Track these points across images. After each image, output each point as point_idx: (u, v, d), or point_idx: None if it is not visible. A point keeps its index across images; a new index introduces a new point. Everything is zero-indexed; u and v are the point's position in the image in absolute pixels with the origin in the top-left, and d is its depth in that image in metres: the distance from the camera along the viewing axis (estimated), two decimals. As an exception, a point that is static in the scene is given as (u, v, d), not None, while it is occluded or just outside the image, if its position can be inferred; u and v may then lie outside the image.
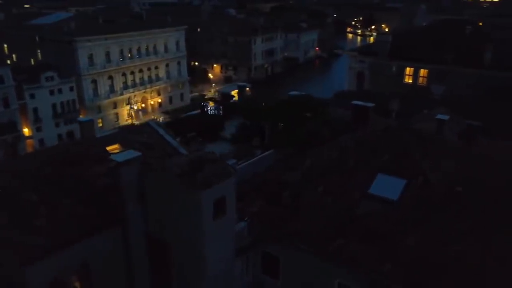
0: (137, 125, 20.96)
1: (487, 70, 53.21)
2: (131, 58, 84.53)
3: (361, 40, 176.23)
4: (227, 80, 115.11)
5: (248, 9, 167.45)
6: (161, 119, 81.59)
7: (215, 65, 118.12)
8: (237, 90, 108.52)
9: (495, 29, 61.42)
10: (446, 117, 21.47)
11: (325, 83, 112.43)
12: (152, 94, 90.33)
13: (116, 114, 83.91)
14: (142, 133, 19.77)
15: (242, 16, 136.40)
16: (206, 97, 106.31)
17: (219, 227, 15.02)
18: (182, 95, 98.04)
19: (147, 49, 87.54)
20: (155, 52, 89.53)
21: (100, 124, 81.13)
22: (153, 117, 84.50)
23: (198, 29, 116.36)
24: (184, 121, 26.81)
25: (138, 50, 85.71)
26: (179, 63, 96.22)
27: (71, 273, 14.73)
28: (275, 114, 24.86)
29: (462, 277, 13.78)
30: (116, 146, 18.40)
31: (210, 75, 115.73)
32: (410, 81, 59.31)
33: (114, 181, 16.09)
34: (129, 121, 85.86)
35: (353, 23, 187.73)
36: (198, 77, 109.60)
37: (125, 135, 19.92)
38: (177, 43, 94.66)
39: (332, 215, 16.88)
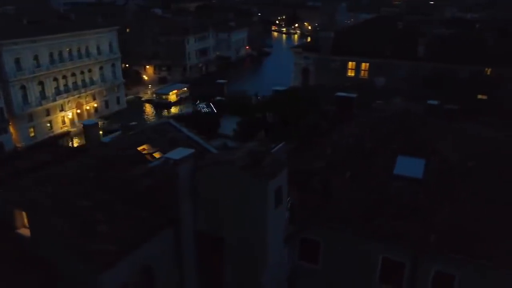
0: (157, 124, 20.30)
1: (421, 62, 58.70)
2: (62, 61, 79.37)
3: (286, 38, 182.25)
4: (161, 81, 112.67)
5: (173, 9, 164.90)
6: (100, 124, 78.07)
7: (147, 66, 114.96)
8: (175, 91, 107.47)
9: (422, 24, 67.42)
10: (435, 102, 23.87)
11: (261, 81, 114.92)
12: (87, 99, 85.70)
13: (50, 122, 78.47)
14: (163, 131, 19.42)
15: (168, 15, 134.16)
16: (142, 99, 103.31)
17: (277, 216, 15.54)
18: (118, 98, 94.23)
19: (79, 51, 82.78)
20: (88, 54, 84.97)
21: (32, 134, 75.44)
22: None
23: (128, 30, 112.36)
24: (179, 120, 26.40)
25: (70, 52, 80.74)
26: (113, 65, 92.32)
27: (136, 277, 14.30)
28: (276, 108, 25.60)
29: (496, 240, 15.72)
30: (145, 146, 17.97)
31: (145, 77, 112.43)
32: (353, 75, 63.24)
33: (157, 180, 15.88)
34: (65, 129, 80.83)
35: (277, 21, 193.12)
36: (131, 79, 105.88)
37: (148, 134, 19.39)
38: (110, 45, 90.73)
39: (364, 197, 18.13)
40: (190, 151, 15.31)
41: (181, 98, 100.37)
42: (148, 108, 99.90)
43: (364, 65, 62.33)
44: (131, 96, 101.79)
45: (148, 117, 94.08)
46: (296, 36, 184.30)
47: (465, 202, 17.07)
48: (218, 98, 31.50)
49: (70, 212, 13.85)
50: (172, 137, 18.83)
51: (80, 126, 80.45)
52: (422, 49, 58.92)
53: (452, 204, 17.07)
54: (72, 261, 13.02)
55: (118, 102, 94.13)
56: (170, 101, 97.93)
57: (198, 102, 29.96)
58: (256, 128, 25.30)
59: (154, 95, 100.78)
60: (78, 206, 14.10)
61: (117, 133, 23.79)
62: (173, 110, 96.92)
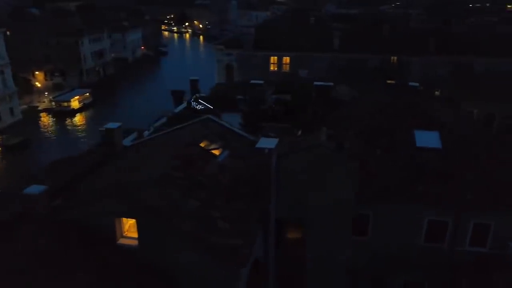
0: (198, 120, 19.37)
1: (337, 53, 64.08)
2: None
3: (178, 37, 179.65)
4: (57, 87, 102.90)
5: (48, 8, 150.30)
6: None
7: (37, 72, 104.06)
8: (78, 97, 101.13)
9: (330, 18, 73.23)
10: (417, 84, 27.16)
11: (168, 82, 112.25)
12: (-23, 112, 75.01)
13: None
14: (207, 127, 19.08)
15: (48, 15, 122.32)
16: (39, 108, 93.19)
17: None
18: (11, 109, 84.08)
19: (-40, 58, 71.91)
20: (-29, 61, 74.29)
21: None
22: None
23: (8, 33, 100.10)
24: (180, 118, 25.56)
25: (-51, 60, 69.75)
26: (2, 72, 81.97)
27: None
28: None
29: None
30: (204, 143, 17.63)
31: (37, 84, 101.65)
32: (276, 69, 66.18)
33: (235, 174, 15.93)
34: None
35: (166, 21, 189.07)
36: (20, 87, 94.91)
37: (191, 131, 18.80)
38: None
39: (400, 169, 20.31)
40: (275, 140, 15.64)
41: (84, 104, 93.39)
42: (47, 118, 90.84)
43: (285, 59, 65.61)
44: (24, 106, 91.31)
45: (46, 128, 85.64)
46: (187, 35, 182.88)
47: (483, 165, 20.24)
48: (201, 94, 30.93)
49: (188, 213, 13.26)
50: (219, 132, 18.66)
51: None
52: (337, 42, 64.26)
53: (473, 167, 20.12)
54: (205, 261, 12.63)
55: (12, 113, 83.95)
56: (73, 108, 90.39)
57: (190, 100, 29.04)
58: (263, 119, 25.89)
59: (53, 103, 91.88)
60: (187, 205, 13.54)
61: (133, 134, 22.15)
62: (78, 118, 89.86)
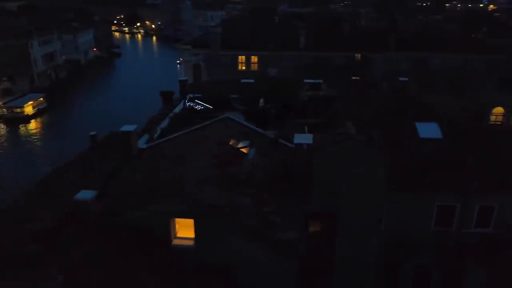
0: (217, 119, 19.19)
1: (303, 52, 65.56)
2: None
3: (130, 38, 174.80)
4: (5, 92, 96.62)
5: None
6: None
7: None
8: (31, 102, 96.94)
9: (295, 17, 74.68)
10: (406, 79, 28.62)
11: (123, 83, 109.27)
12: None
13: None
14: (228, 127, 19.20)
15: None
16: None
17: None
18: (-42, 117, 78.40)
19: None
20: None
21: None
22: None
23: None
24: (182, 119, 25.30)
25: None
26: None
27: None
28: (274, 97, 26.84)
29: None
30: (232, 141, 17.77)
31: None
32: (244, 68, 66.57)
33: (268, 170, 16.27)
34: None
35: (116, 21, 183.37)
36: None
37: (218, 130, 18.80)
38: None
39: (409, 159, 21.49)
40: (310, 136, 16.12)
41: (39, 109, 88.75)
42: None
43: (253, 58, 66.19)
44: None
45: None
46: (140, 35, 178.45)
47: (482, 151, 21.87)
48: (195, 95, 30.54)
49: (243, 209, 13.40)
50: (241, 131, 18.85)
51: None
52: (303, 40, 65.72)
53: (474, 154, 21.71)
54: (266, 255, 12.89)
55: (-40, 122, 78.29)
56: (27, 114, 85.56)
57: (186, 100, 28.63)
58: (262, 118, 26.23)
59: (4, 109, 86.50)
60: (245, 203, 13.69)
61: (144, 137, 21.58)
62: (33, 125, 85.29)
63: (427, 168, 21.07)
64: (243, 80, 31.79)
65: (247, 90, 30.95)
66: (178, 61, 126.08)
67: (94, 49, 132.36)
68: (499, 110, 47.42)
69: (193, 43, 67.00)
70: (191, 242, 13.27)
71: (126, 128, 19.42)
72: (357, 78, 64.17)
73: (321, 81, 31.48)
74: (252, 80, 31.63)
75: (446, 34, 69.79)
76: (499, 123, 49.26)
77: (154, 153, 19.00)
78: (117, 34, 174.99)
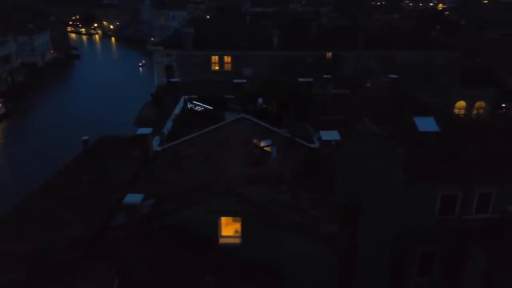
0: (234, 120, 19.12)
1: (276, 51, 66.30)
2: None
3: (88, 39, 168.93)
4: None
5: None
6: None
7: None
8: None
9: (264, 17, 75.35)
10: (397, 77, 29.86)
11: (84, 86, 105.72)
12: None
13: None
14: (245, 126, 19.43)
15: None
16: None
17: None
18: None
19: None
20: None
21: None
22: None
23: None
24: (187, 120, 25.06)
25: None
26: None
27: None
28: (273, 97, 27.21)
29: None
30: (255, 140, 18.06)
31: None
32: (217, 68, 66.41)
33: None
34: None
35: (71, 22, 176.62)
36: None
37: (237, 130, 18.93)
38: None
39: (412, 151, 22.58)
40: (335, 132, 16.69)
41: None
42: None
43: (227, 58, 66.18)
44: None
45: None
46: (97, 36, 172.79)
47: (479, 140, 23.37)
48: (191, 96, 30.18)
49: (285, 205, 13.74)
50: (259, 130, 19.15)
51: None
52: (276, 40, 66.48)
53: (471, 144, 23.18)
54: (313, 249, 13.32)
55: None
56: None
57: (185, 101, 28.23)
58: (264, 117, 26.54)
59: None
60: (285, 199, 14.02)
61: (157, 139, 21.17)
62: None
63: (429, 160, 22.25)
64: (235, 80, 31.98)
65: (240, 90, 31.17)
66: (140, 64, 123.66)
67: (52, 51, 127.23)
68: (461, 103, 50.37)
69: (164, 44, 66.08)
70: (236, 240, 13.48)
71: (143, 131, 19.19)
72: (329, 76, 66.13)
73: (311, 79, 32.24)
74: (244, 80, 31.89)
75: (409, 33, 73.04)
76: (462, 116, 52.39)
77: (173, 154, 18.91)
78: (73, 35, 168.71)
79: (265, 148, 17.99)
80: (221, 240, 13.66)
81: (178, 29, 71.97)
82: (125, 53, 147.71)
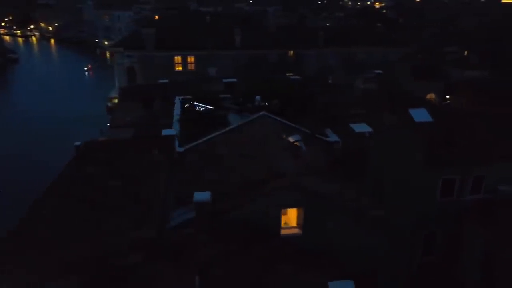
0: (254, 117, 19.01)
1: (239, 50, 66.79)
2: None
3: (24, 41, 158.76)
4: None
5: None
6: None
7: None
8: None
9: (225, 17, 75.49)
10: (380, 71, 31.55)
11: (26, 92, 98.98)
12: None
13: None
14: (269, 123, 19.85)
15: None
16: None
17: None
18: None
19: None
20: None
21: None
22: None
23: None
24: (193, 120, 24.79)
25: None
26: None
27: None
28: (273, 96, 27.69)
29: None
30: (284, 136, 18.55)
31: None
32: (180, 68, 65.61)
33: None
34: None
35: (4, 23, 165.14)
36: None
37: (262, 127, 19.24)
38: None
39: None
40: (364, 124, 17.64)
41: None
42: None
43: (190, 58, 65.63)
44: None
45: None
46: (34, 38, 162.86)
47: (478, 128, 25.38)
48: (186, 97, 29.62)
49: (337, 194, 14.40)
50: (282, 127, 19.67)
51: None
52: (239, 39, 66.96)
53: (468, 132, 25.16)
54: (370, 233, 14.13)
55: None
56: None
57: (187, 102, 27.68)
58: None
59: None
60: (334, 188, 14.68)
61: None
62: None
63: (428, 148, 23.93)
64: (224, 80, 32.11)
65: (232, 89, 31.41)
66: (85, 68, 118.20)
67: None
68: (431, 96, 53.45)
69: (125, 45, 64.22)
70: (296, 231, 13.94)
71: (168, 132, 18.93)
72: (291, 74, 67.76)
73: (299, 77, 33.18)
74: (234, 79, 32.10)
75: (364, 30, 76.53)
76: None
77: (202, 154, 18.88)
78: (7, 37, 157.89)
79: (295, 143, 18.57)
80: (283, 232, 14.08)
81: (138, 30, 70.01)
82: (68, 56, 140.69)
